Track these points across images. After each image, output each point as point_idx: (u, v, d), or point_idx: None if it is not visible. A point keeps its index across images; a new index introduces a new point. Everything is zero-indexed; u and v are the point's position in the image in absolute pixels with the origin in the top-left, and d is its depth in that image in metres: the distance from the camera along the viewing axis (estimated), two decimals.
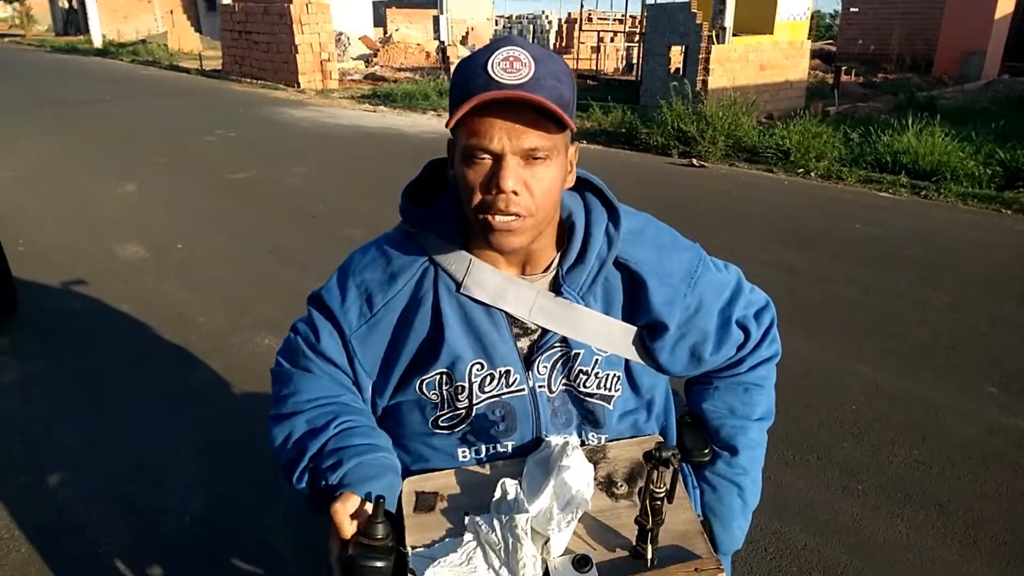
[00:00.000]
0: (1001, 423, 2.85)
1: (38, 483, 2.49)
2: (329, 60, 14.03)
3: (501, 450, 1.04)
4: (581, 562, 0.86)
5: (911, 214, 5.86)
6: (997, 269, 4.55)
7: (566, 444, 0.98)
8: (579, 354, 1.02)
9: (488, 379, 1.01)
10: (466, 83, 0.87)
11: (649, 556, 0.87)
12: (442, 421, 1.04)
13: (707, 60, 9.24)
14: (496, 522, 0.87)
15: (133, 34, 24.43)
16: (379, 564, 0.83)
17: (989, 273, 4.46)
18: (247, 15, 14.73)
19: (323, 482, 0.95)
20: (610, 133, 8.87)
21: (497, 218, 0.90)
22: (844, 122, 8.61)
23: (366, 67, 17.27)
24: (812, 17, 12.55)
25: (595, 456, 1.03)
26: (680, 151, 7.87)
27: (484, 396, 1.02)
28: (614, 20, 18.38)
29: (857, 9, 18.02)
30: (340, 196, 6.31)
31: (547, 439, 1.02)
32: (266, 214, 5.74)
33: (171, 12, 24.58)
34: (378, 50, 19.20)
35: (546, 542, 0.88)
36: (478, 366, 1.01)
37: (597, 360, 1.03)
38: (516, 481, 0.95)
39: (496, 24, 24.76)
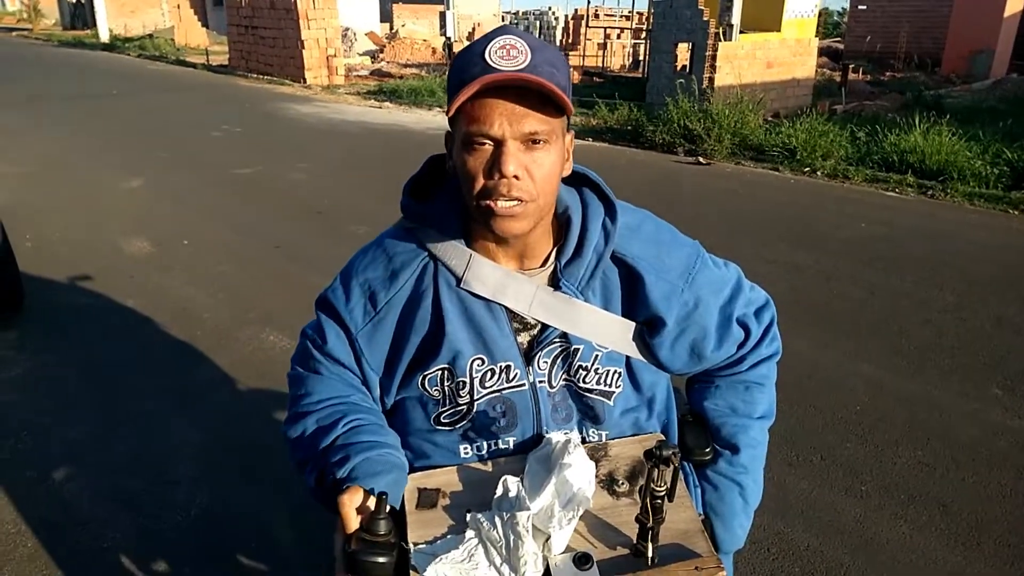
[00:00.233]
0: (1005, 424, 2.84)
1: (44, 478, 2.51)
2: (335, 56, 14.05)
3: (502, 446, 1.05)
4: (582, 560, 0.87)
5: (917, 214, 5.84)
6: (1003, 269, 4.53)
7: (567, 441, 0.98)
8: (579, 350, 1.03)
9: (489, 374, 1.02)
10: (464, 72, 0.88)
11: (650, 554, 0.87)
12: (444, 417, 1.05)
13: (714, 57, 9.20)
14: (498, 519, 0.88)
15: (140, 28, 24.49)
16: (381, 560, 0.83)
17: (995, 273, 4.44)
18: (254, 10, 14.75)
19: (331, 477, 0.97)
20: (616, 130, 8.85)
21: (499, 203, 0.91)
22: (851, 121, 8.58)
23: (372, 63, 17.26)
24: (820, 14, 12.51)
25: (596, 454, 1.03)
26: (686, 149, 7.86)
27: (485, 391, 1.02)
28: (621, 17, 18.36)
29: (865, 7, 17.94)
30: (345, 192, 6.32)
31: (548, 435, 1.02)
32: (271, 210, 5.76)
33: (178, 7, 24.60)
34: (384, 46, 19.19)
35: (547, 539, 0.88)
36: (479, 361, 1.01)
37: (597, 356, 1.04)
38: (518, 478, 0.95)
39: (502, 20, 24.71)
